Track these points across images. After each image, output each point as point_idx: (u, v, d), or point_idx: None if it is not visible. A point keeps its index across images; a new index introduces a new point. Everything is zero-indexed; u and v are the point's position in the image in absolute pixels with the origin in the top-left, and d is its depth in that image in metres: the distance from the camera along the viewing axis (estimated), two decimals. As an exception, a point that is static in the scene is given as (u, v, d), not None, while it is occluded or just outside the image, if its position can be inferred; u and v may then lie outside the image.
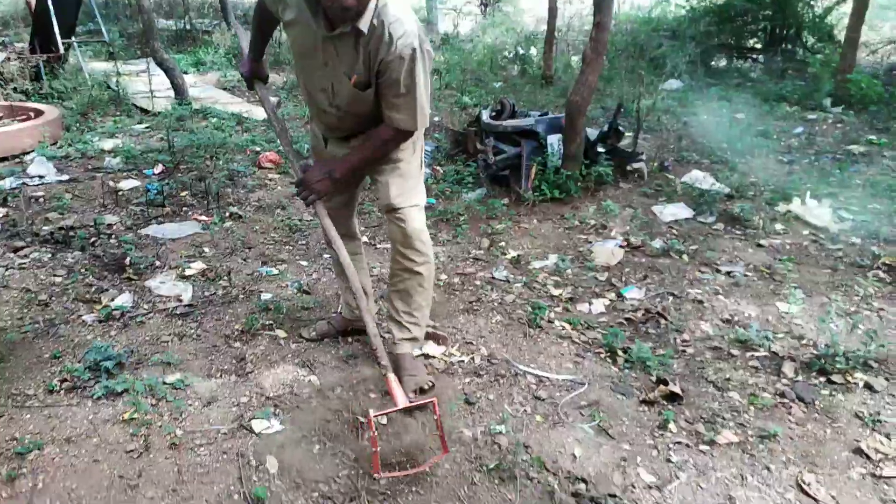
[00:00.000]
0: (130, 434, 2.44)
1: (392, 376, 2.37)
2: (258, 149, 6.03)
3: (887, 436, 2.63)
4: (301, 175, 2.54)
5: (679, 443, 2.58)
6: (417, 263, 2.64)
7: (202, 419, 2.55)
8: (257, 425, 2.51)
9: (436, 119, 7.11)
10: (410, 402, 2.41)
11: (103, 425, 2.48)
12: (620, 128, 5.41)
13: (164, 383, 2.70)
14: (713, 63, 11.00)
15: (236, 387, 2.75)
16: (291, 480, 2.27)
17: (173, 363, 2.86)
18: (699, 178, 5.33)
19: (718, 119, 7.40)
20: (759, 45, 11.58)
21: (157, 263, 3.80)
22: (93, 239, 4.02)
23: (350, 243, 2.95)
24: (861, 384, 2.93)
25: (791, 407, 2.81)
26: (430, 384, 2.75)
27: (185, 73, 8.83)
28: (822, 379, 2.98)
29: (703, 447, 2.56)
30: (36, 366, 2.83)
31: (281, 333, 3.17)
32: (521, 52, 10.93)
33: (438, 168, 5.51)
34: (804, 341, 3.27)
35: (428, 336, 3.18)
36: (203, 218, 4.48)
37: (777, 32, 11.23)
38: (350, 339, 3.11)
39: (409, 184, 2.60)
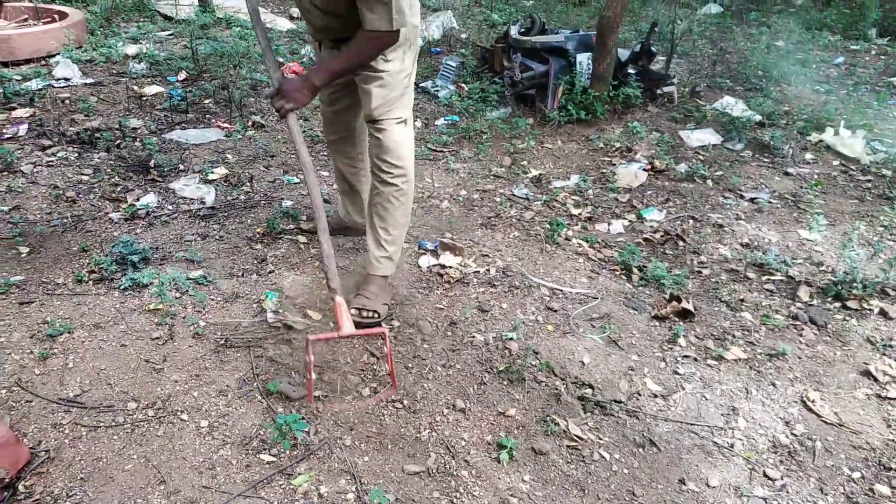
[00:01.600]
0: (156, 323, 2.53)
1: (340, 300, 2.17)
2: (281, 59, 5.95)
3: (897, 360, 2.65)
4: (279, 83, 2.36)
5: (687, 357, 2.63)
6: (393, 175, 2.54)
7: (224, 313, 2.64)
8: (273, 318, 2.59)
9: (463, 35, 6.94)
10: (358, 330, 2.21)
11: (130, 314, 2.57)
12: (653, 49, 5.24)
13: (188, 279, 2.78)
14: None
15: (257, 285, 2.83)
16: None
17: (196, 261, 2.93)
18: (730, 105, 5.18)
19: (756, 45, 7.12)
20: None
21: (181, 167, 3.84)
22: (118, 141, 4.05)
23: (352, 151, 2.94)
24: (876, 310, 2.93)
25: (803, 329, 2.83)
26: (376, 315, 2.60)
27: (209, -19, 8.61)
28: (837, 304, 2.98)
29: (710, 362, 2.61)
30: (65, 257, 2.92)
31: (301, 238, 3.22)
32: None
33: (463, 85, 5.41)
34: (822, 267, 3.26)
35: (445, 247, 3.22)
36: (226, 125, 4.48)
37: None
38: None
39: (391, 95, 2.47)
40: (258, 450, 2.05)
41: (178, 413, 2.15)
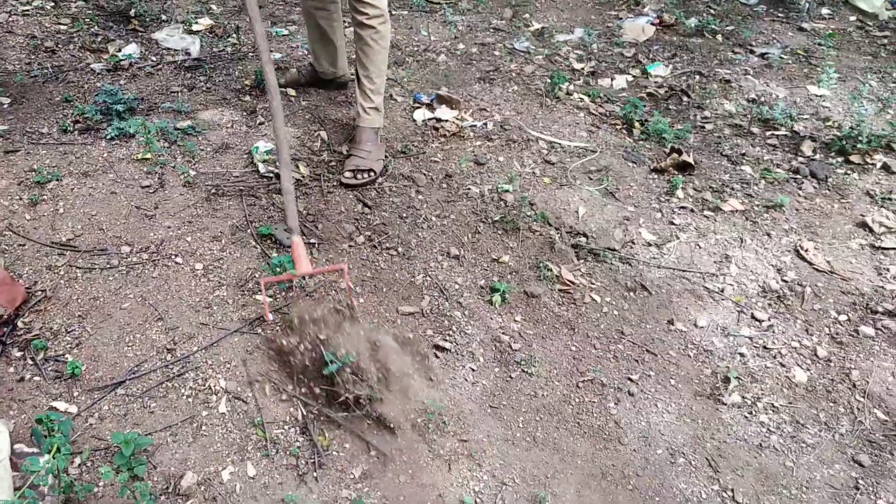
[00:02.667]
0: (145, 172, 2.49)
1: (297, 240, 1.99)
2: None
3: (895, 212, 2.63)
4: None
5: (684, 208, 2.60)
6: (369, 17, 2.46)
7: (214, 163, 2.59)
8: (264, 169, 2.55)
9: None
10: (315, 268, 2.06)
11: (118, 163, 2.52)
12: None
13: (176, 129, 2.70)
14: None
15: (247, 137, 2.76)
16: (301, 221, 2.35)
17: (184, 111, 2.84)
18: (748, -45, 4.84)
19: None
20: None
21: (163, 17, 3.64)
22: (95, -10, 3.82)
23: (323, 8, 2.79)
24: (879, 165, 2.88)
25: (802, 182, 2.79)
26: (372, 174, 2.55)
27: None
28: (840, 159, 2.93)
29: (707, 213, 2.59)
30: (48, 108, 2.83)
31: (291, 91, 3.10)
32: None
33: (462, -67, 5.04)
34: (829, 123, 3.17)
35: (441, 100, 3.12)
36: (209, -25, 4.21)
37: None
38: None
39: None
40: (254, 291, 2.07)
41: (173, 256, 2.16)
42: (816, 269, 2.37)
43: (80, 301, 1.98)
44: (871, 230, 2.55)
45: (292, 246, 1.99)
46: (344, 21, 2.94)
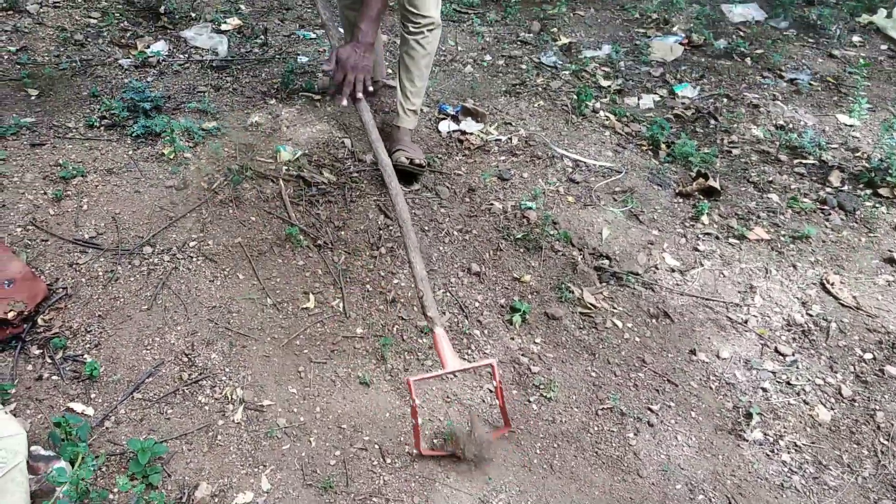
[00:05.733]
0: (169, 172, 2.48)
1: (440, 332, 1.77)
2: None
3: (923, 249, 2.59)
4: (334, 51, 2.14)
5: (709, 234, 2.57)
6: (419, 25, 2.45)
7: (238, 165, 2.58)
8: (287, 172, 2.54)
9: None
10: (465, 363, 1.84)
11: (143, 161, 2.52)
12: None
13: (202, 129, 2.70)
14: None
15: (271, 140, 2.75)
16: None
17: (210, 112, 2.84)
18: (779, -22, 4.80)
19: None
20: None
21: (192, 15, 3.64)
22: (126, -16, 3.83)
23: None
24: (908, 199, 2.84)
25: (830, 214, 2.75)
26: (423, 162, 2.57)
27: None
28: (869, 191, 2.88)
29: (732, 240, 2.56)
30: (75, 102, 2.83)
31: (316, 96, 3.09)
32: None
33: (493, -57, 5.02)
34: (858, 153, 3.13)
35: (466, 112, 3.10)
36: (239, -26, 4.22)
37: None
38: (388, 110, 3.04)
39: None
40: (279, 302, 2.06)
41: (194, 259, 2.15)
42: (842, 304, 2.33)
43: (100, 301, 1.97)
44: (898, 266, 2.51)
45: (435, 339, 1.75)
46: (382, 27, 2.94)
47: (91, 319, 1.92)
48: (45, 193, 2.30)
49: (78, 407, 1.71)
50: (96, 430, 1.67)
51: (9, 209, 2.21)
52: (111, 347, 1.86)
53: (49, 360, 1.81)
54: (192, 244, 2.20)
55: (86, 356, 1.82)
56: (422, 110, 2.83)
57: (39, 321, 1.90)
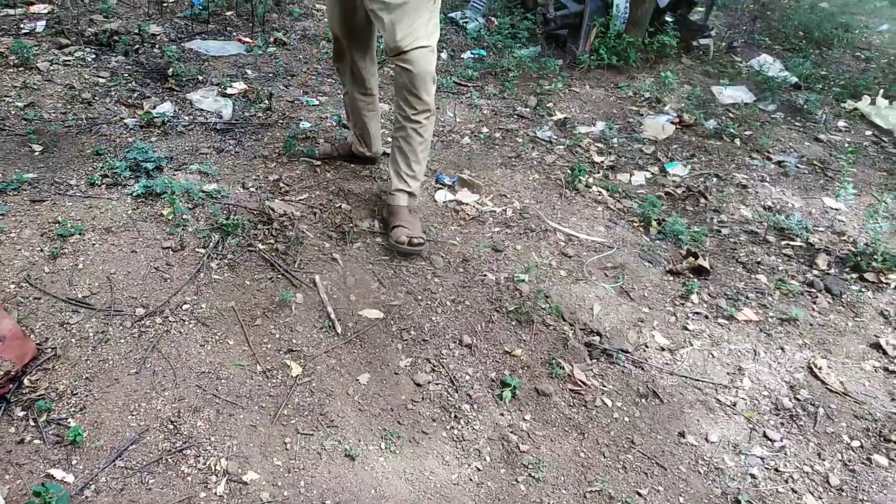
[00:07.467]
0: (167, 233, 2.51)
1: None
2: None
3: (909, 335, 2.62)
4: None
5: (698, 314, 2.60)
6: (417, 112, 2.51)
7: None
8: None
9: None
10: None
11: (142, 221, 2.54)
12: (694, -2, 5.03)
13: (202, 191, 2.74)
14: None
15: (269, 201, 2.78)
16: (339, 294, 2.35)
17: (211, 174, 2.89)
18: (767, 63, 5.00)
19: (800, 4, 6.85)
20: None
21: (199, 78, 3.74)
22: (136, 45, 3.95)
23: (367, 98, 2.90)
24: (893, 285, 2.89)
25: (817, 297, 2.79)
26: (422, 240, 2.58)
27: None
28: (855, 275, 2.94)
29: (721, 321, 2.58)
30: (78, 159, 2.88)
31: (316, 162, 3.16)
32: None
33: (493, 19, 5.23)
34: (844, 237, 3.20)
35: (463, 183, 3.17)
36: (247, 40, 4.36)
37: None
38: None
39: (417, 23, 2.38)
40: (267, 369, 2.05)
41: (187, 322, 2.15)
42: (830, 390, 2.34)
43: (89, 362, 1.96)
44: (884, 352, 2.54)
45: None
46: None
47: (78, 381, 1.91)
48: (42, 250, 2.31)
49: (58, 474, 1.67)
50: (76, 498, 1.63)
51: (4, 265, 2.22)
52: (96, 412, 1.84)
53: (32, 423, 1.78)
54: (185, 307, 2.20)
55: (70, 420, 1.80)
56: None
57: (26, 381, 1.88)
